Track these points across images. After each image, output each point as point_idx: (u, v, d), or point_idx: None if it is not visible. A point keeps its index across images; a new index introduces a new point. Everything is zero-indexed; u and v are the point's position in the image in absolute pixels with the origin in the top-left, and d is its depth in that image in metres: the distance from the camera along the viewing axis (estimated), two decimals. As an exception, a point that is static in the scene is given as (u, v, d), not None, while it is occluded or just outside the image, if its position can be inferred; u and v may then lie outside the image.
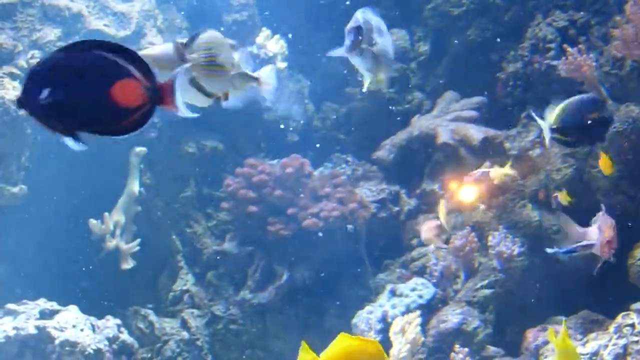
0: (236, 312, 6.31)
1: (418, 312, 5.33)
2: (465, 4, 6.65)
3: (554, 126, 3.97)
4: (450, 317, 5.41)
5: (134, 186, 6.34)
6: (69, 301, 5.66)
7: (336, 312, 6.23)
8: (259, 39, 6.91)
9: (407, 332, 5.15)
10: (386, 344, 5.30)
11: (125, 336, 5.82)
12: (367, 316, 5.66)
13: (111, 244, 6.17)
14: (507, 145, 6.04)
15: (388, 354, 5.24)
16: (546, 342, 4.90)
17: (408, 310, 5.47)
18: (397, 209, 6.50)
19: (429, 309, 5.64)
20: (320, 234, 6.13)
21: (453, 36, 6.75)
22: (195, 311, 6.41)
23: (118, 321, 5.84)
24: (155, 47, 3.37)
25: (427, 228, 5.60)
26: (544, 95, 6.00)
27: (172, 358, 6.16)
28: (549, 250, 4.43)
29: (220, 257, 6.47)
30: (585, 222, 5.43)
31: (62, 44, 6.12)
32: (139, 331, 6.24)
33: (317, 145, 7.10)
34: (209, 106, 6.81)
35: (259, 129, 6.97)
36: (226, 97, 3.26)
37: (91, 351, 5.30)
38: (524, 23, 6.25)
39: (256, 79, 3.40)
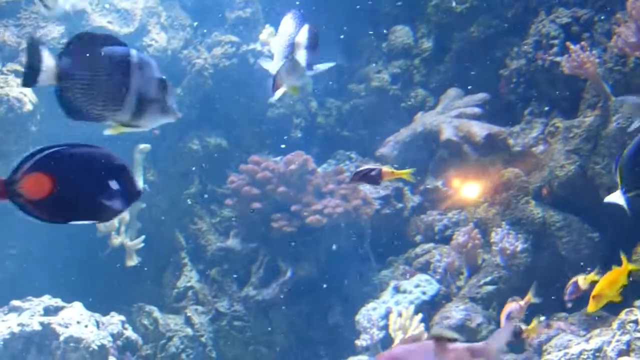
0: (240, 309, 6.32)
1: (412, 308, 5.36)
2: (469, 0, 6.64)
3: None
4: (454, 313, 5.41)
5: (138, 183, 6.35)
6: (73, 298, 5.68)
7: (340, 308, 6.24)
8: (262, 36, 6.91)
9: (409, 329, 5.16)
10: (389, 340, 5.32)
11: (129, 332, 5.84)
12: (370, 313, 5.67)
13: (116, 241, 6.19)
14: (510, 141, 6.04)
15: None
16: (549, 339, 4.90)
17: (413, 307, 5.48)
18: (400, 205, 6.51)
19: (432, 306, 5.65)
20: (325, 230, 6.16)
21: (456, 33, 6.74)
22: (199, 308, 6.42)
23: (122, 317, 5.86)
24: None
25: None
26: (547, 92, 6.01)
27: (176, 354, 6.18)
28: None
29: (224, 253, 6.48)
30: (587, 220, 5.46)
31: (66, 41, 6.14)
32: (144, 327, 6.26)
33: (321, 142, 7.10)
34: (211, 104, 6.83)
35: (262, 125, 6.98)
36: None
37: (95, 347, 5.32)
38: (528, 20, 6.25)
39: None
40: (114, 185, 2.09)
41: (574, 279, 4.75)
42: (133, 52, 2.21)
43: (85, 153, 2.09)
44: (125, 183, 2.12)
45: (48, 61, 2.12)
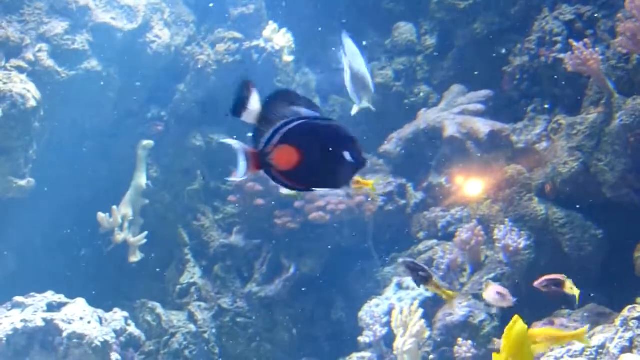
0: (243, 305, 6.33)
1: (417, 303, 5.37)
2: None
3: None
4: (457, 310, 5.41)
5: (142, 179, 6.37)
6: (76, 294, 5.69)
7: (343, 304, 6.24)
8: (266, 33, 6.91)
9: (410, 325, 5.16)
10: (392, 337, 5.32)
11: (132, 329, 5.85)
12: (373, 309, 5.68)
13: (119, 237, 6.19)
14: (514, 138, 6.04)
15: (392, 348, 5.26)
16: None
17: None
18: (404, 202, 6.51)
19: (435, 302, 5.65)
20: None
21: (460, 29, 6.73)
22: (203, 304, 6.43)
23: (125, 314, 5.87)
24: None
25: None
26: (550, 89, 6.00)
27: (179, 351, 6.19)
28: None
29: (227, 250, 6.49)
30: (590, 217, 5.46)
31: (69, 37, 6.13)
32: (147, 324, 6.27)
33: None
34: (214, 100, 6.82)
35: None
36: None
37: (98, 344, 5.33)
38: (531, 16, 6.24)
39: None
40: (346, 155, 2.23)
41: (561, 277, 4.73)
42: (317, 116, 2.38)
43: (324, 126, 2.24)
44: (355, 153, 2.24)
45: (255, 104, 2.28)
